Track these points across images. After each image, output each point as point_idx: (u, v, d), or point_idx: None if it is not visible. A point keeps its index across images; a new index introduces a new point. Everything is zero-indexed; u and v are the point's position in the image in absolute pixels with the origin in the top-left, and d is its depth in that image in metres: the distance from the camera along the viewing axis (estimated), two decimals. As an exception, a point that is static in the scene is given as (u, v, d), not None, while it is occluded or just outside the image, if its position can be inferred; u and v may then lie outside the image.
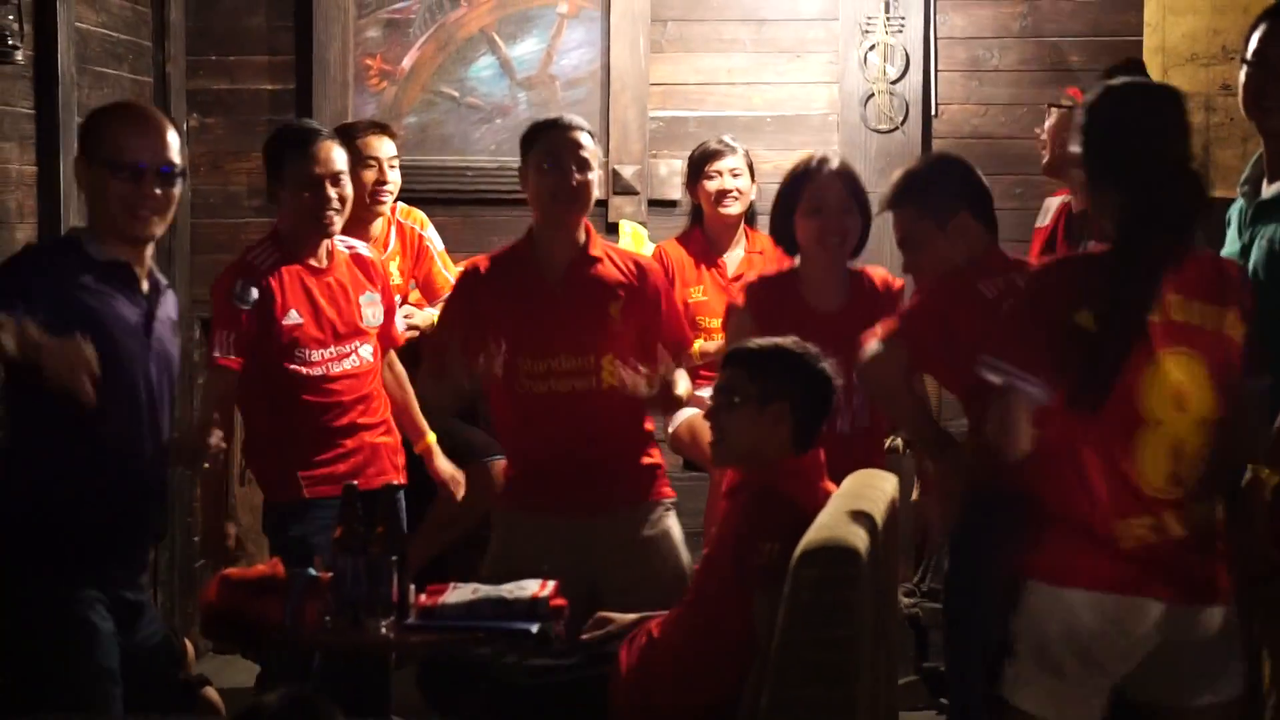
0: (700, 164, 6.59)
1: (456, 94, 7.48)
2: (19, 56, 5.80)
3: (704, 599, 4.49)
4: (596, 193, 5.27)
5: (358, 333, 5.46)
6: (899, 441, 6.26)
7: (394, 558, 4.45)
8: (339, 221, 5.42)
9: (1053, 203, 6.25)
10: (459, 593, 4.61)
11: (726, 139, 6.64)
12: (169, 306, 4.51)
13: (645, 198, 7.35)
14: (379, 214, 6.33)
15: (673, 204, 7.27)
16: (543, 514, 5.21)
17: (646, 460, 5.31)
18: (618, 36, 7.36)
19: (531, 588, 4.58)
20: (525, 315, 5.18)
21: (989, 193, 4.98)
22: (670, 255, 6.50)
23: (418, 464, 5.80)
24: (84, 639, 4.24)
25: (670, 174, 7.33)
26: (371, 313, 5.50)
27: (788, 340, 4.58)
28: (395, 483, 5.27)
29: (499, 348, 5.07)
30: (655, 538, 5.24)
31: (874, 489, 4.50)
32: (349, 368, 5.43)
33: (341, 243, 5.55)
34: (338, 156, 5.42)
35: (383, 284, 5.61)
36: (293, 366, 5.34)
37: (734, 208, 6.59)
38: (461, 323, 5.24)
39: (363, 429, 5.46)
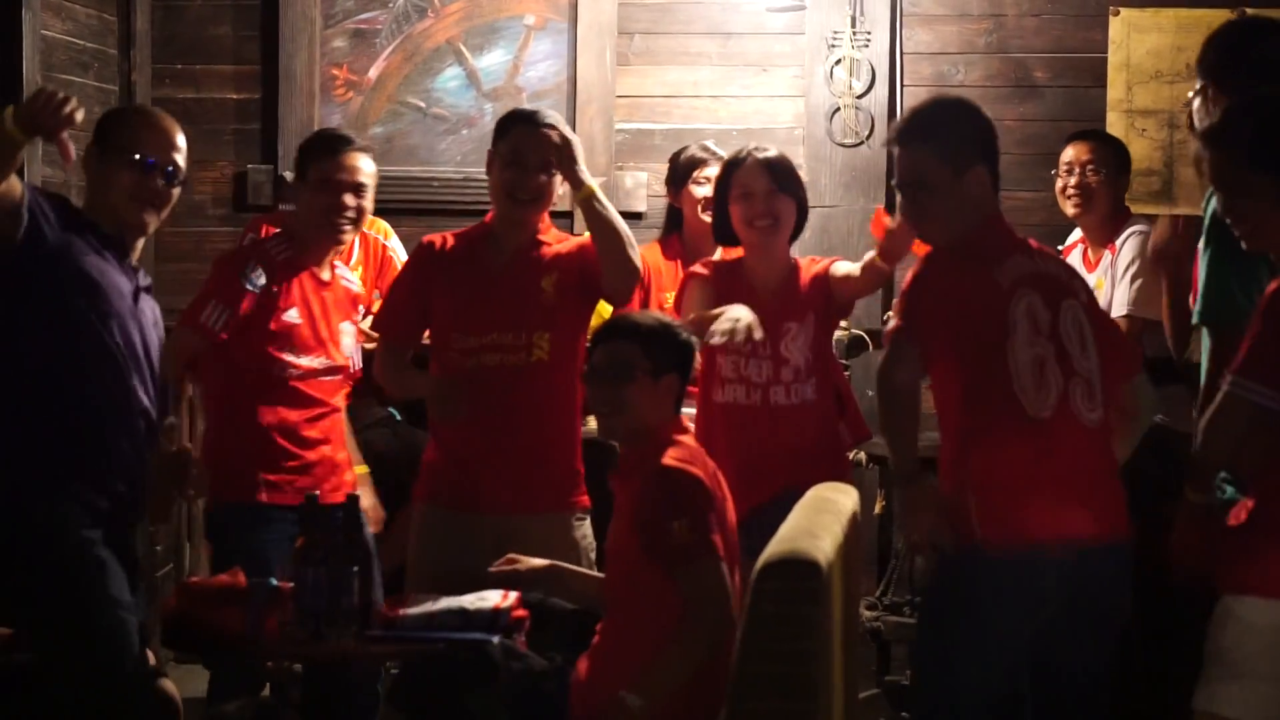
0: (686, 170, 6.50)
1: (423, 105, 7.49)
2: (-17, 63, 5.81)
3: (628, 599, 4.50)
4: (557, 197, 5.32)
5: (337, 352, 5.45)
6: (862, 455, 6.28)
7: (356, 568, 4.44)
8: (351, 231, 5.43)
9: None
10: (420, 604, 4.60)
11: (711, 145, 6.57)
12: (153, 302, 4.62)
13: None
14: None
15: (639, 216, 7.28)
16: (461, 510, 5.21)
17: (569, 464, 5.31)
18: (585, 49, 7.38)
19: (493, 599, 4.58)
20: (464, 291, 5.25)
21: (999, 150, 4.63)
22: (647, 259, 6.48)
23: (381, 478, 5.80)
24: (95, 570, 4.34)
25: (636, 186, 7.34)
26: (347, 342, 5.50)
27: (658, 314, 4.90)
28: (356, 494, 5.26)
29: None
30: (574, 546, 5.23)
31: (835, 502, 4.51)
32: (330, 379, 5.43)
33: (343, 269, 5.60)
34: (365, 167, 5.41)
35: (356, 324, 5.61)
36: (285, 357, 5.32)
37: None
38: (412, 296, 5.33)
39: (327, 442, 5.43)
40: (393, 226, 6.62)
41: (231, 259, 5.42)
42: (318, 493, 4.70)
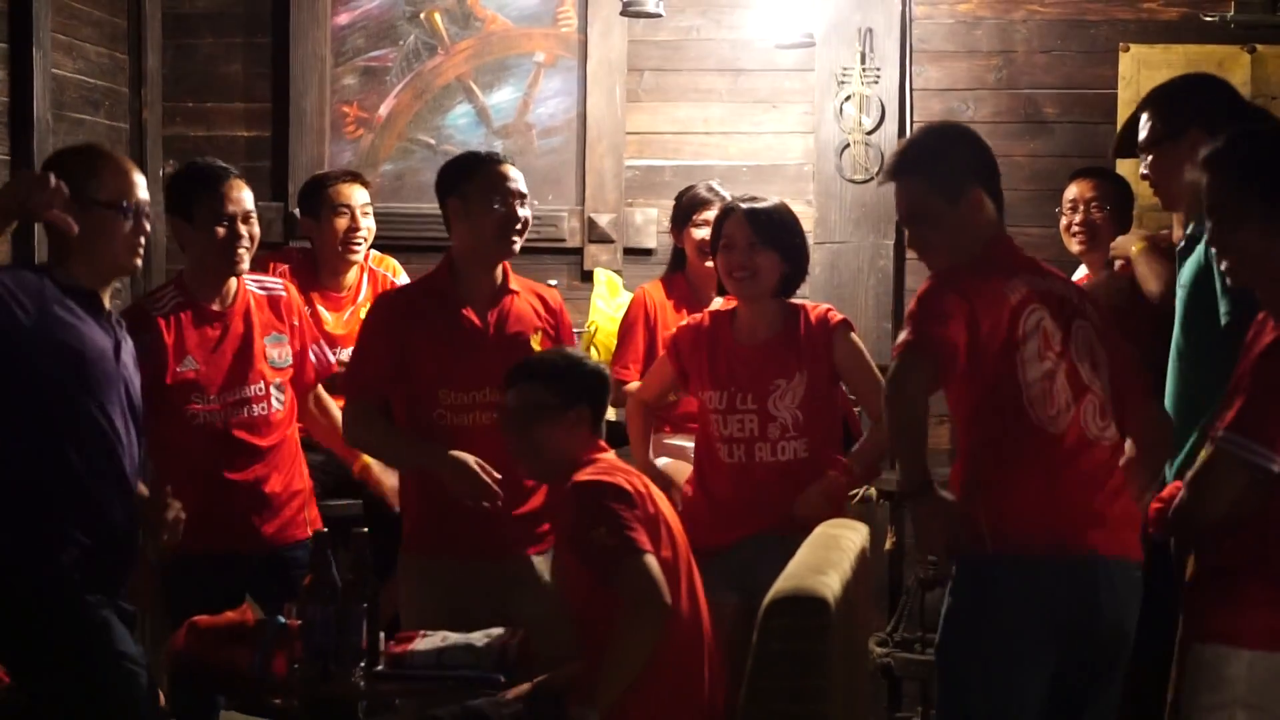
0: (688, 211, 6.46)
1: (433, 142, 7.50)
2: (-6, 103, 5.82)
3: (591, 622, 4.55)
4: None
5: (260, 376, 5.39)
6: (872, 491, 6.27)
7: (364, 605, 4.44)
8: (247, 259, 5.38)
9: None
10: (428, 640, 4.60)
11: (715, 186, 6.54)
12: (129, 342, 4.59)
13: (621, 246, 7.37)
14: (353, 262, 6.33)
15: (649, 252, 7.29)
16: (446, 557, 5.18)
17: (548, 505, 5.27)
18: (594, 85, 7.39)
19: (500, 635, 4.58)
20: (451, 347, 5.20)
21: (998, 168, 4.59)
22: (652, 297, 6.47)
23: (390, 514, 5.78)
24: (101, 630, 4.32)
25: (646, 223, 7.35)
26: (278, 354, 5.45)
27: (564, 351, 5.02)
28: (309, 536, 5.25)
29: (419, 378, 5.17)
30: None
31: (843, 539, 4.50)
32: (261, 411, 5.38)
33: (253, 282, 5.50)
34: (246, 195, 5.38)
35: (298, 323, 5.55)
36: (194, 406, 5.28)
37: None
38: (389, 352, 5.23)
39: (265, 482, 5.37)
40: (402, 264, 6.62)
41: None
42: (324, 530, 4.70)
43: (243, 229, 5.32)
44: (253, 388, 5.36)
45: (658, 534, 4.52)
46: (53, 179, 4.20)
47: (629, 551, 4.40)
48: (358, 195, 6.35)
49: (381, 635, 4.59)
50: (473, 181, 5.25)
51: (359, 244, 6.33)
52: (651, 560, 4.41)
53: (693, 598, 4.60)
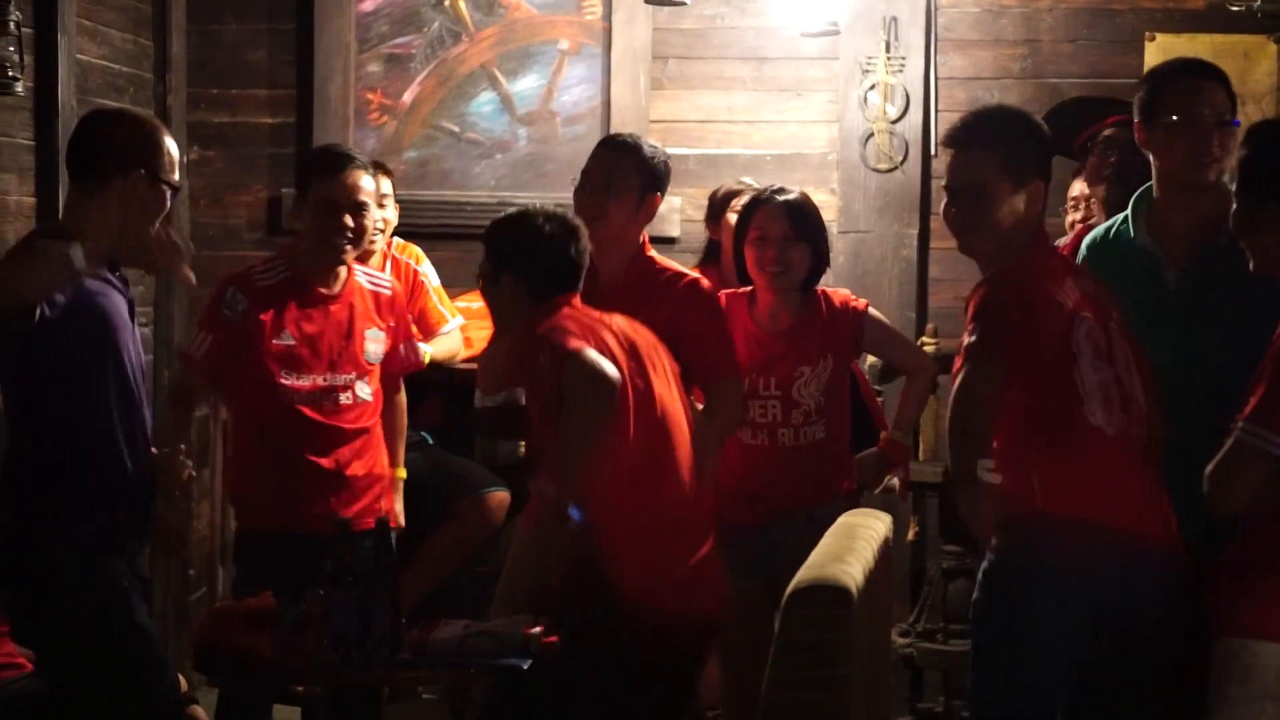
0: (724, 204, 6.39)
1: (457, 129, 7.50)
2: (19, 88, 5.80)
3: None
4: None
5: (355, 367, 5.43)
6: (895, 482, 6.25)
7: (386, 592, 4.44)
8: (351, 251, 5.42)
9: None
10: (450, 628, 4.59)
11: (748, 181, 6.51)
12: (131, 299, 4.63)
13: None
14: (371, 250, 6.33)
15: (671, 241, 7.27)
16: None
17: None
18: (618, 73, 7.38)
19: (523, 624, 4.57)
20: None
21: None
22: None
23: (413, 502, 5.79)
24: (125, 601, 4.39)
25: (669, 211, 7.32)
26: (374, 349, 5.49)
27: (517, 208, 4.96)
28: (385, 518, 5.25)
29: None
30: None
31: (866, 528, 4.49)
32: (347, 400, 5.41)
33: (364, 275, 5.56)
34: (365, 185, 5.41)
35: (394, 324, 5.59)
36: (284, 381, 5.31)
37: None
38: None
39: (345, 466, 5.41)
40: (426, 251, 6.62)
41: (216, 289, 5.42)
42: (350, 517, 4.70)
43: (349, 220, 5.33)
44: (344, 376, 5.40)
45: (607, 345, 4.61)
46: (176, 244, 4.34)
47: (572, 352, 4.49)
48: (376, 185, 6.35)
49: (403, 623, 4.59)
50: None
51: (377, 235, 6.33)
52: (589, 351, 4.50)
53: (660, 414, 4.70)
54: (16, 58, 5.76)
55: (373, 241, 6.33)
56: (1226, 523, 4.03)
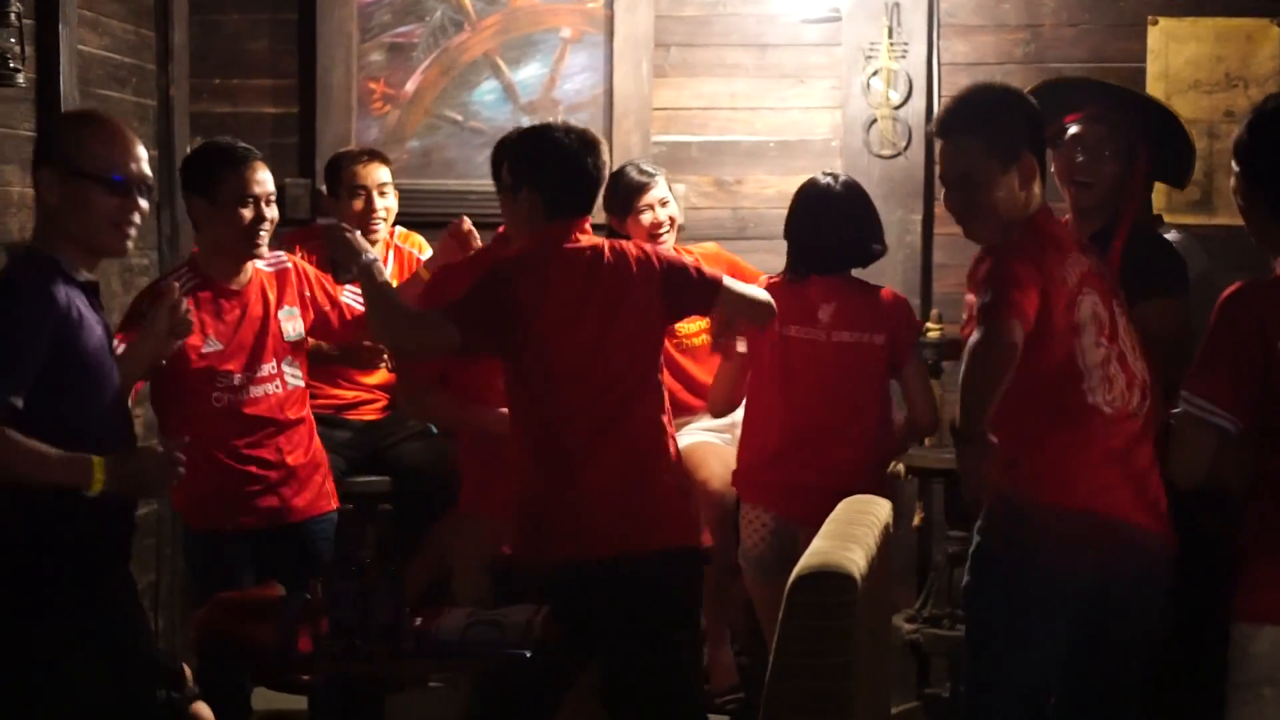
0: (629, 198, 6.15)
1: (460, 118, 7.49)
2: (20, 79, 5.78)
3: None
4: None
5: (278, 351, 5.42)
6: (899, 467, 6.25)
7: (389, 582, 4.44)
8: (266, 242, 5.41)
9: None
10: (453, 616, 4.59)
11: (646, 166, 6.31)
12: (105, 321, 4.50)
13: (647, 221, 7.34)
14: (374, 240, 6.32)
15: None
16: (503, 519, 5.23)
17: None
18: (621, 61, 7.37)
19: (526, 613, 4.57)
20: None
21: (1045, 137, 4.51)
22: None
23: (417, 491, 5.80)
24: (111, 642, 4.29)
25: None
26: (292, 327, 5.48)
27: (541, 124, 5.13)
28: (335, 508, 5.30)
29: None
30: None
31: (868, 515, 4.49)
32: (275, 391, 5.41)
33: (261, 261, 5.50)
34: (269, 178, 5.40)
35: (309, 292, 5.56)
36: (211, 385, 5.30)
37: (670, 240, 6.19)
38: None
39: (292, 453, 5.42)
40: (428, 240, 6.62)
41: (132, 305, 5.39)
42: (345, 508, 4.70)
43: (266, 211, 5.33)
44: (268, 366, 5.39)
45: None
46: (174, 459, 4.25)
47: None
48: (375, 175, 6.35)
49: (408, 611, 4.58)
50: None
51: (377, 224, 6.35)
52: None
53: None
54: (18, 49, 5.74)
55: (374, 230, 6.33)
56: (1200, 497, 4.05)
